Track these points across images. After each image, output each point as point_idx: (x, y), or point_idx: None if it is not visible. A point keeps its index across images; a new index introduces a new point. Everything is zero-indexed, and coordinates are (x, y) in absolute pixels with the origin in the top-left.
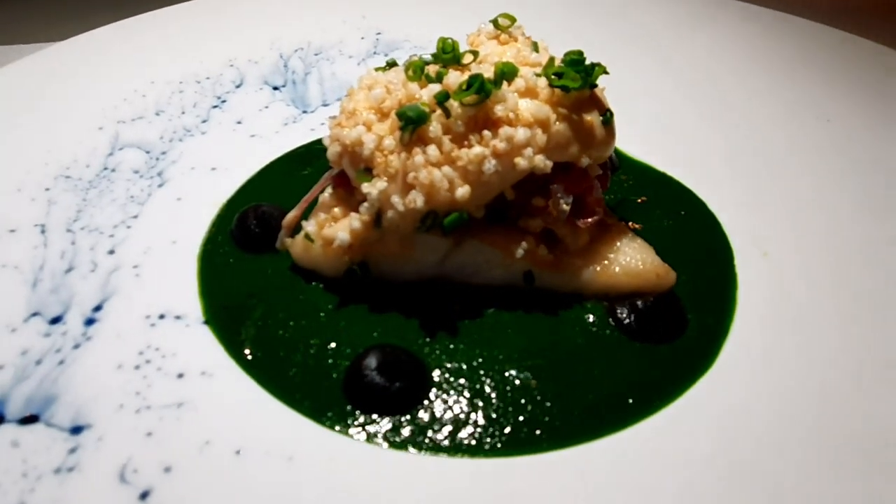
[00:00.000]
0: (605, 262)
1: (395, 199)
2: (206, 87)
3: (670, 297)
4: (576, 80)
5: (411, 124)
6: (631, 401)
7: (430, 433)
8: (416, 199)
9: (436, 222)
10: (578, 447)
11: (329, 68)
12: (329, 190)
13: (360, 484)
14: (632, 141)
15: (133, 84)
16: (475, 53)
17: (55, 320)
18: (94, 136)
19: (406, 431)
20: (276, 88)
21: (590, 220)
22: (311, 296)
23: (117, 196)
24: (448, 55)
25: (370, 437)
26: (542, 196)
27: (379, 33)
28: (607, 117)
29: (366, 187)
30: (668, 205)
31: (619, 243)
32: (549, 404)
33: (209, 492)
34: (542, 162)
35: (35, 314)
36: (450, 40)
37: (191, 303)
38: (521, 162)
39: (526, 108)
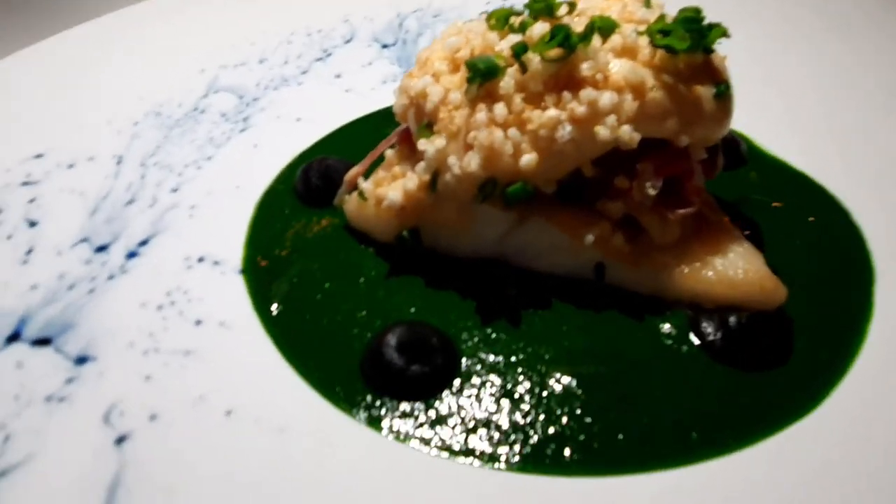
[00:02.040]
0: (697, 263)
1: (453, 160)
2: (315, 40)
3: (776, 316)
4: (685, 39)
5: (480, 77)
6: (695, 434)
7: (439, 428)
8: (472, 162)
9: (496, 192)
10: (614, 478)
11: None
12: (394, 147)
13: (349, 469)
14: (766, 131)
15: (244, 32)
16: (572, 5)
17: (100, 249)
18: (194, 77)
19: (414, 422)
20: (385, 46)
21: (682, 210)
22: (357, 259)
23: (198, 137)
24: (540, 4)
25: (373, 421)
26: (627, 176)
27: None
28: (721, 90)
29: (422, 144)
30: (800, 210)
31: (719, 243)
32: (588, 420)
33: (185, 449)
34: (628, 134)
35: (83, 240)
36: None
37: (234, 250)
38: (601, 131)
39: (619, 69)
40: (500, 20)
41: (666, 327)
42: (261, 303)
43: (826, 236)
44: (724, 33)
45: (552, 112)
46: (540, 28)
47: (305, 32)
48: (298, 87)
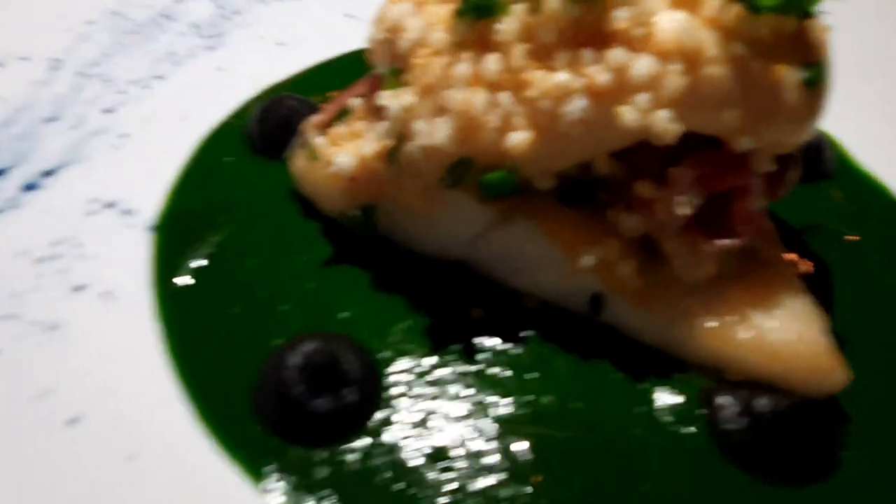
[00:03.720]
0: (732, 316)
1: (421, 125)
2: None
3: (824, 409)
4: None
5: (472, 11)
6: None
7: (335, 486)
8: (437, 132)
9: (468, 177)
10: None
11: None
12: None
13: None
14: (863, 139)
15: None
16: None
17: None
18: None
19: (304, 473)
20: None
21: (722, 242)
22: (297, 233)
23: (156, 48)
24: None
25: (253, 467)
26: (655, 182)
27: None
28: (813, 76)
29: (385, 98)
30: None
31: (768, 293)
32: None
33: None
34: (665, 123)
35: None
36: None
37: (153, 199)
38: (627, 114)
39: (669, 24)
40: None
41: (668, 397)
42: (164, 272)
43: None
44: None
45: (563, 76)
46: None
47: None
48: (295, 3)
